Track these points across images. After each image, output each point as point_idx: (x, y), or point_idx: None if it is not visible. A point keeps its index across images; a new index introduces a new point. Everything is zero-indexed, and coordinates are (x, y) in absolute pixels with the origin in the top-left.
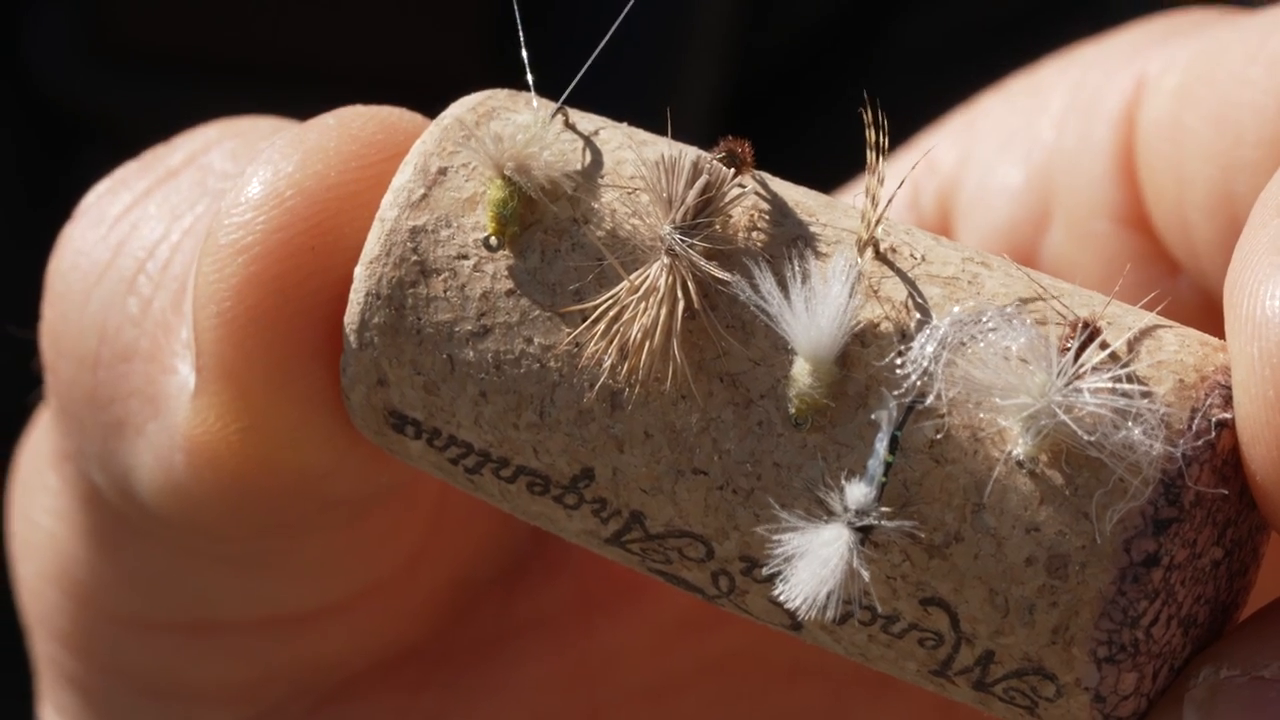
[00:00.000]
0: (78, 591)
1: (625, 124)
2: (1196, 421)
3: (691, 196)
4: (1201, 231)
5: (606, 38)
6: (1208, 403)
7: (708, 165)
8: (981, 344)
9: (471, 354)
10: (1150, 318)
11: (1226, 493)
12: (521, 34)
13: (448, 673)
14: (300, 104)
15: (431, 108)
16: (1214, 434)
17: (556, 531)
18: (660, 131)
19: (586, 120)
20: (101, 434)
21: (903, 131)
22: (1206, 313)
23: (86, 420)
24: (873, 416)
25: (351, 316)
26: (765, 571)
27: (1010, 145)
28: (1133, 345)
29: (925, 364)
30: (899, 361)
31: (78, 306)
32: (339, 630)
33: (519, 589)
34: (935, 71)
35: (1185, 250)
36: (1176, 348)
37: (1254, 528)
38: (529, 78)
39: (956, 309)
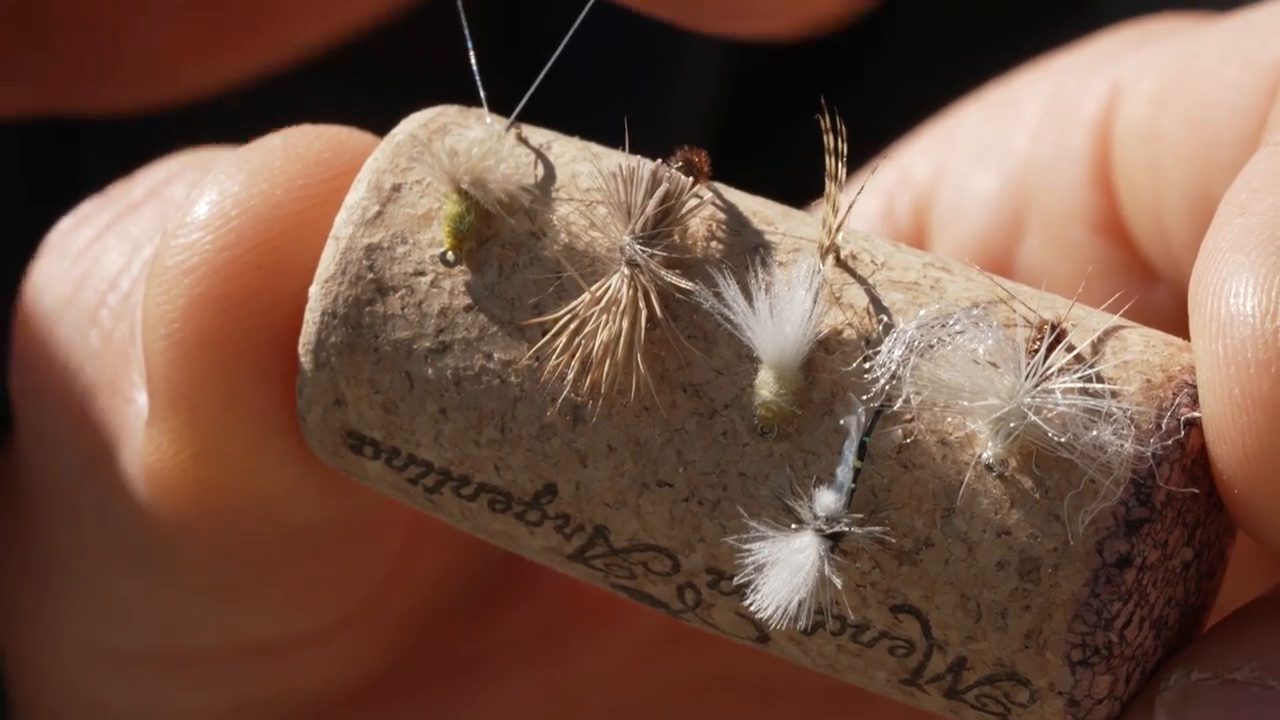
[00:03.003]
0: (49, 623)
1: (577, 137)
2: (1165, 421)
3: (651, 206)
4: (1179, 235)
5: (550, 62)
6: (1176, 402)
7: (667, 174)
8: (949, 347)
9: (430, 371)
10: (1114, 319)
11: (1197, 491)
12: (471, 49)
13: (422, 699)
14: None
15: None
16: (1183, 433)
17: (518, 550)
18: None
19: (539, 134)
20: (71, 469)
21: (899, 128)
22: (1185, 320)
23: (55, 455)
24: (841, 422)
25: (307, 337)
26: (733, 583)
27: (985, 155)
28: (1098, 346)
29: (893, 368)
30: (867, 365)
31: (43, 342)
32: (313, 659)
33: (491, 614)
34: (936, 63)
35: (1163, 256)
36: (1142, 348)
37: (1221, 530)
38: (481, 93)
39: (923, 312)
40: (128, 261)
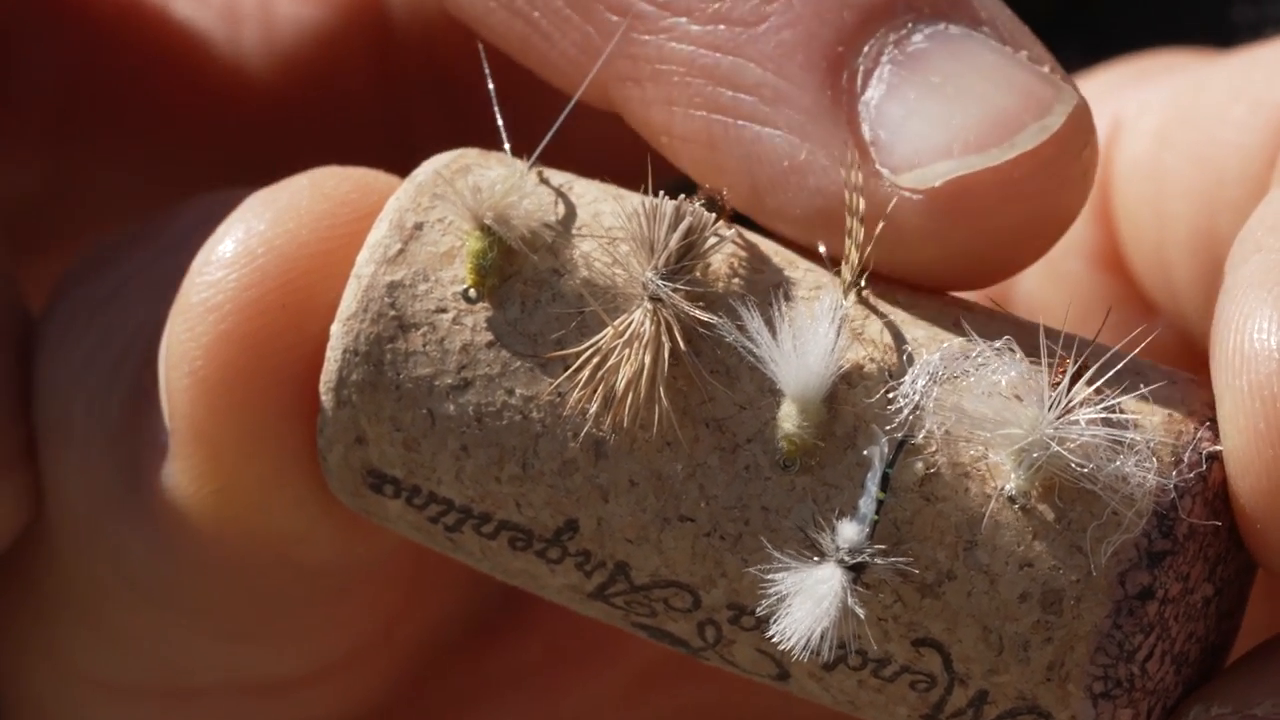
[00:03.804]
0: (55, 655)
1: (598, 180)
2: (1188, 454)
3: (674, 240)
4: (1182, 272)
5: (571, 103)
6: (1198, 436)
7: (690, 209)
8: (972, 378)
9: (452, 408)
10: (1133, 357)
11: (1219, 524)
12: (494, 93)
13: None
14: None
15: None
16: (1205, 466)
17: (538, 590)
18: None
19: (559, 176)
20: (91, 506)
21: None
22: (1185, 355)
23: (76, 492)
24: (865, 453)
25: (329, 375)
26: (755, 617)
27: None
28: (1120, 381)
29: (917, 398)
30: (890, 398)
31: (66, 385)
32: (314, 696)
33: (489, 648)
34: None
35: (1164, 291)
36: (1163, 383)
37: (1241, 568)
38: (503, 134)
39: (946, 344)
40: (153, 310)
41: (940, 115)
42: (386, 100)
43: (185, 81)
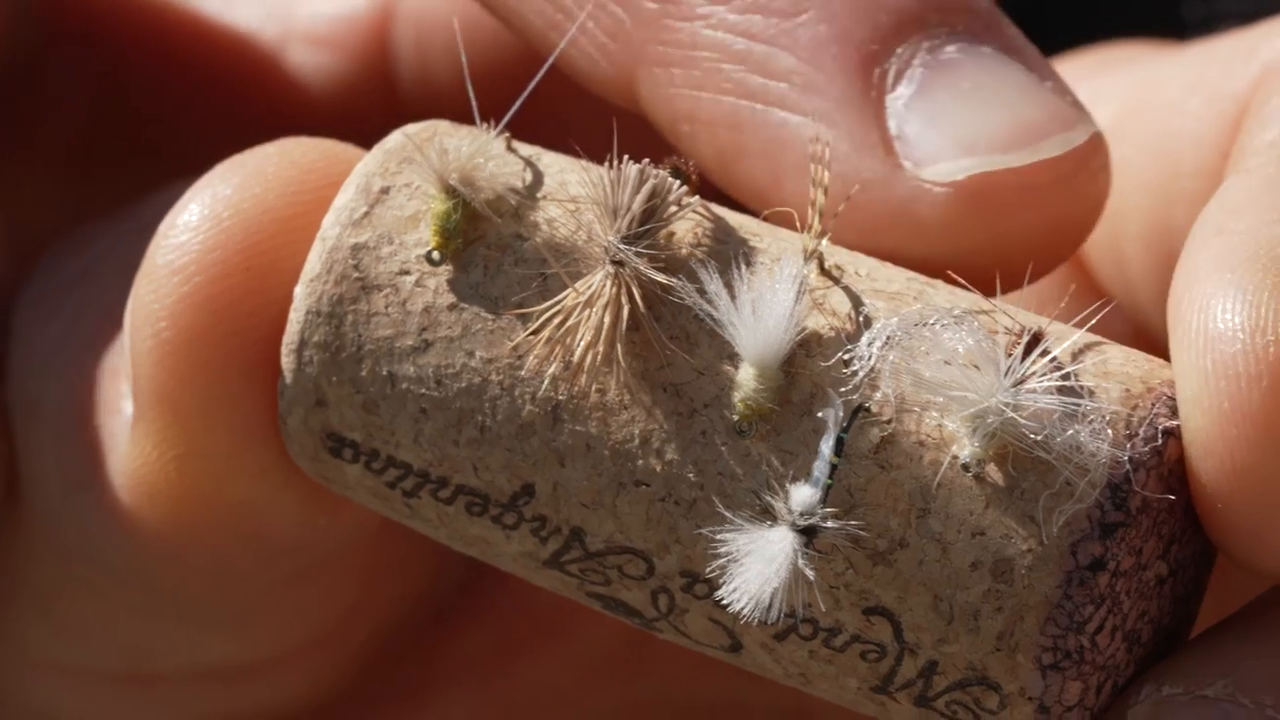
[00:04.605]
0: (10, 639)
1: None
2: (1144, 428)
3: (638, 203)
4: (1137, 263)
5: (543, 70)
6: (1154, 411)
7: (654, 173)
8: (929, 344)
9: (412, 369)
10: (1094, 337)
11: (1173, 498)
12: (466, 66)
13: (378, 719)
14: None
15: None
16: (1160, 442)
17: (493, 559)
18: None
19: (529, 147)
20: (57, 483)
21: None
22: (1139, 344)
23: (43, 470)
24: (819, 415)
25: (291, 336)
26: (707, 576)
27: None
28: (1078, 357)
29: (872, 361)
30: (848, 360)
31: (38, 363)
32: (274, 682)
33: (446, 634)
34: None
35: (1119, 282)
36: (1122, 361)
37: (1198, 553)
38: (474, 105)
39: (905, 310)
40: (125, 289)
41: (968, 117)
42: None
43: (206, 116)
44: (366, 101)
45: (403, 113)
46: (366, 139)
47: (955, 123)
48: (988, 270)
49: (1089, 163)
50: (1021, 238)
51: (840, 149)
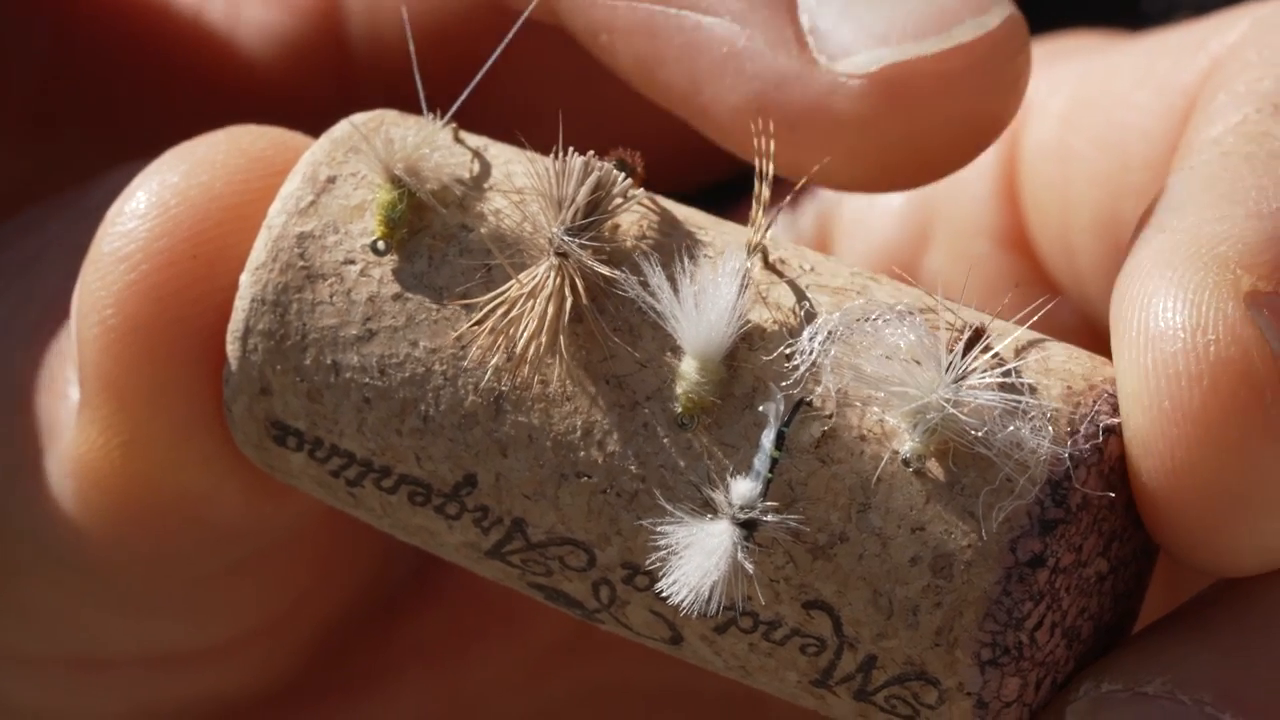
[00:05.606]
0: None
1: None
2: (1085, 425)
3: (582, 195)
4: (1086, 255)
5: (490, 62)
6: (1095, 408)
7: (599, 165)
8: (871, 339)
9: (356, 358)
10: (1037, 334)
11: (1113, 496)
12: (415, 57)
13: (327, 707)
14: None
15: None
16: (1101, 439)
17: (436, 548)
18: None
19: (477, 138)
20: (2, 478)
21: None
22: (1087, 336)
23: None
24: (761, 408)
25: (236, 324)
26: (648, 568)
27: None
28: (1021, 354)
29: (814, 355)
30: (789, 353)
31: None
32: (224, 669)
33: (396, 623)
34: None
35: (1068, 274)
36: (1064, 358)
37: (1139, 550)
38: (421, 95)
39: (848, 305)
40: (72, 274)
41: (880, 7)
42: (344, 109)
43: (160, 75)
44: (318, 59)
45: (355, 72)
46: (319, 101)
47: (868, 14)
48: (907, 165)
49: (1005, 46)
50: (940, 130)
51: (755, 47)
